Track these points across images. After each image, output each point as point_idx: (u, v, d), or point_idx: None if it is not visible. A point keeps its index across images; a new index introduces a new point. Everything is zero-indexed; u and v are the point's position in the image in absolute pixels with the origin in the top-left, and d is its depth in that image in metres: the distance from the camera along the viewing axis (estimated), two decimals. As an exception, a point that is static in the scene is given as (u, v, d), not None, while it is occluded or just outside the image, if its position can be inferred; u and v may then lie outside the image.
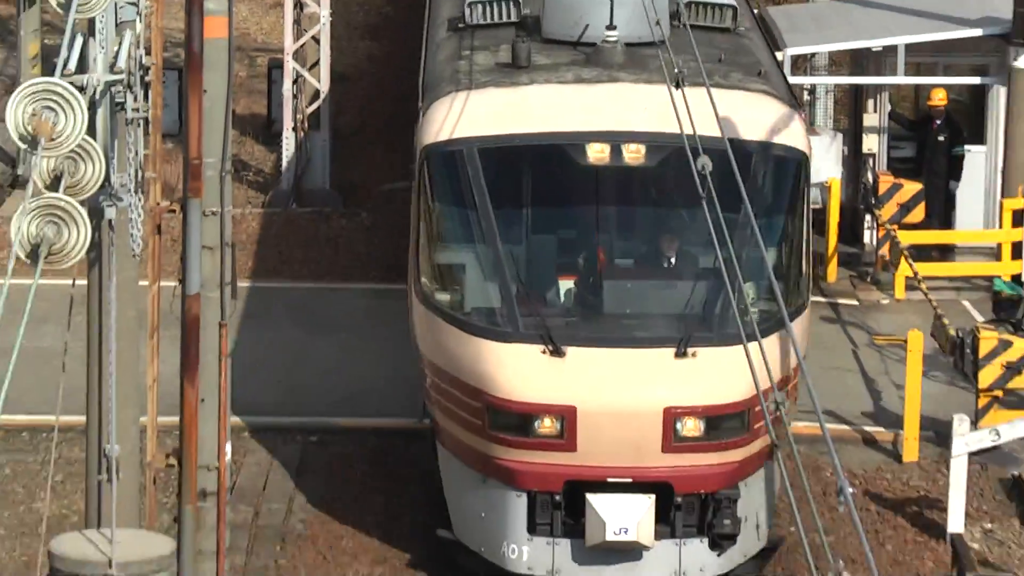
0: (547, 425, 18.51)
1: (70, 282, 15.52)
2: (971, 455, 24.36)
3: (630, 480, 18.57)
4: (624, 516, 18.31)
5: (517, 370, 18.51)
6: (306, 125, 35.24)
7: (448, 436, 20.07)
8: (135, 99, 14.70)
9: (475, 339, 18.89)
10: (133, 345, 15.87)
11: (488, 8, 20.66)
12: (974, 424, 24.75)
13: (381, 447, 24.70)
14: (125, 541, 13.86)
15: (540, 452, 18.72)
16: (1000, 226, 31.08)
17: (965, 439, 23.70)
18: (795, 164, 18.95)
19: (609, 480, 18.62)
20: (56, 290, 15.41)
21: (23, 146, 13.02)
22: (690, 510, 18.68)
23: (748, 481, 19.12)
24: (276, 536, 24.66)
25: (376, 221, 34.65)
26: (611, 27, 19.34)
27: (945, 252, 32.62)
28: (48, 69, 17.28)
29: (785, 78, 23.61)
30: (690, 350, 18.19)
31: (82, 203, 12.98)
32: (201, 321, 17.62)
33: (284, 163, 35.74)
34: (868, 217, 31.63)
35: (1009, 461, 25.76)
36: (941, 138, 32.19)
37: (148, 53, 15.65)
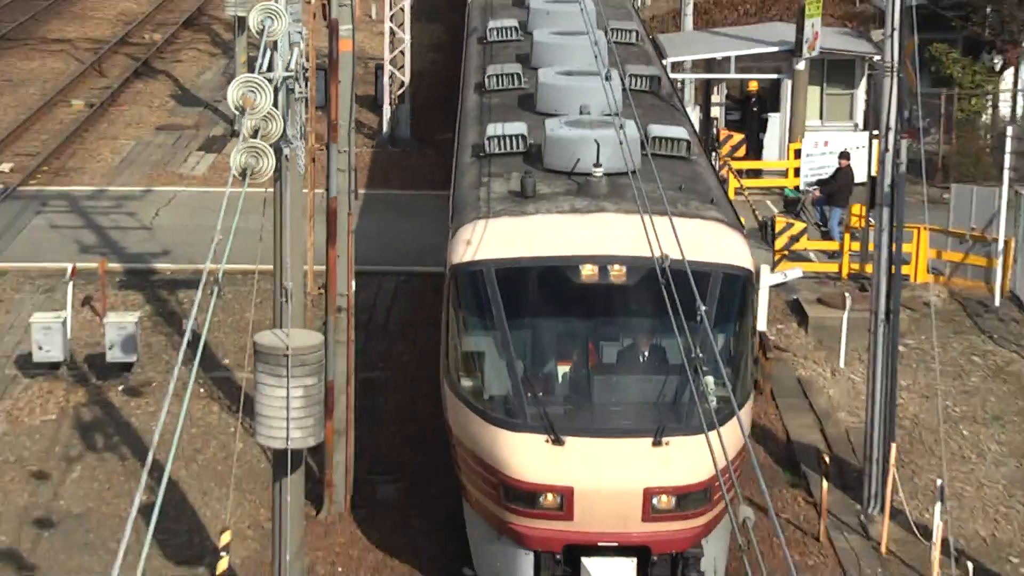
0: (550, 500, 19.45)
1: (263, 190, 18.78)
2: (771, 287, 29.38)
3: (616, 544, 19.83)
4: (612, 575, 19.91)
5: (525, 456, 19.34)
6: (396, 101, 43.61)
7: (471, 496, 20.98)
8: (300, 86, 18.51)
9: (492, 427, 19.74)
10: (299, 225, 20.22)
11: (502, 141, 22.65)
12: (772, 270, 30.46)
13: (439, 283, 23.89)
14: (295, 336, 18.61)
15: (544, 520, 19.70)
16: (787, 158, 39.01)
17: (767, 278, 28.68)
18: (743, 280, 20.29)
19: (599, 544, 19.86)
20: (256, 196, 17.32)
21: (237, 112, 16.99)
22: (664, 567, 19.93)
23: (708, 539, 20.26)
24: (382, 333, 30.73)
25: (435, 155, 40.49)
26: (597, 164, 20.98)
27: (757, 174, 39.68)
28: (251, 69, 19.50)
29: (729, 200, 24.86)
30: (664, 439, 19.14)
31: (271, 145, 16.92)
32: (337, 212, 23.20)
33: (385, 123, 43.99)
34: (714, 155, 36.23)
35: (791, 291, 32.06)
36: (755, 109, 40.17)
37: (307, 60, 19.26)
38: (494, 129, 23.19)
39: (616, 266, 19.87)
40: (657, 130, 23.24)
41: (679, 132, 23.56)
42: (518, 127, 23.31)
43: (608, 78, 22.78)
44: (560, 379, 20.39)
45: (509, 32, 30.36)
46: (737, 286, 20.39)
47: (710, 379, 18.77)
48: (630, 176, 18.92)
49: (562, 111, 23.85)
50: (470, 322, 20.44)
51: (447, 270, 20.71)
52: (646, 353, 20.72)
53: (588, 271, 19.96)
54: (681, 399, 19.82)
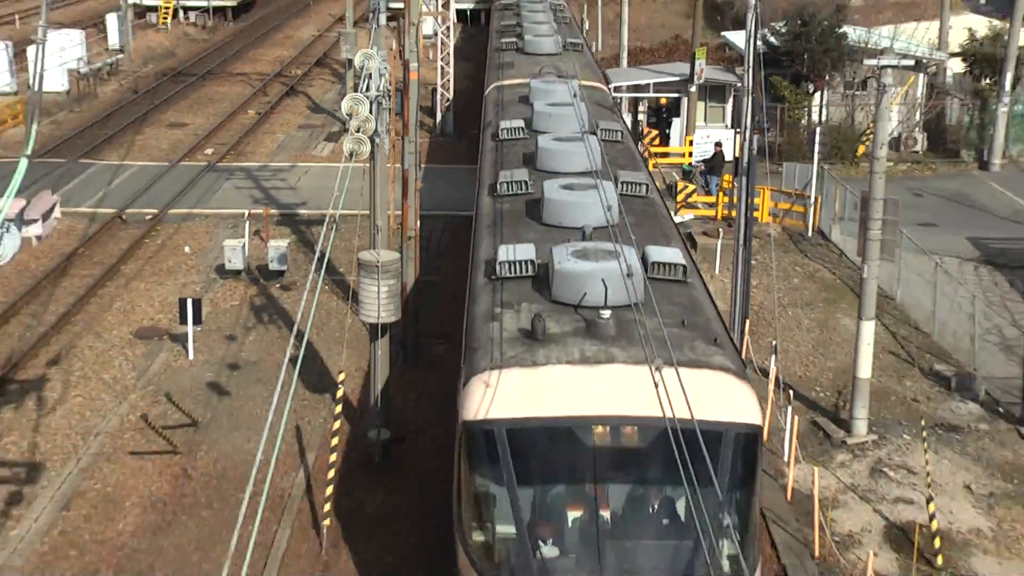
0: None
1: (363, 164, 18.59)
2: (675, 224, 27.73)
3: None
4: None
5: None
6: (444, 110, 43.03)
7: None
8: (385, 101, 18.61)
9: None
10: (385, 186, 19.69)
11: (513, 267, 15.66)
12: (675, 214, 27.40)
13: (468, 223, 21.32)
14: (383, 254, 18.47)
15: None
16: (684, 146, 38.39)
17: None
18: (752, 437, 13.52)
19: None
20: (359, 168, 15.99)
21: (347, 117, 17.69)
22: None
23: None
24: (435, 252, 30.12)
25: (467, 143, 39.28)
26: (605, 307, 14.19)
27: (666, 155, 38.25)
28: (355, 89, 18.22)
29: (731, 337, 16.21)
30: None
31: (368, 137, 17.61)
32: (408, 178, 22.80)
33: (437, 123, 43.21)
34: (639, 144, 35.16)
35: (686, 227, 30.05)
36: (665, 115, 39.37)
37: (390, 84, 19.26)
38: (506, 253, 16.21)
39: (628, 428, 13.48)
40: (655, 253, 16.30)
41: (675, 256, 16.39)
42: (527, 251, 16.29)
43: (607, 178, 18.18)
44: (569, 540, 13.52)
45: (517, 132, 22.91)
46: (748, 444, 13.67)
47: (723, 543, 13.15)
48: (634, 311, 13.91)
49: (565, 223, 17.31)
50: (480, 480, 13.85)
51: (459, 424, 14.02)
52: (658, 514, 13.72)
53: (600, 432, 13.52)
54: (695, 565, 12.97)
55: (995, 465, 20.08)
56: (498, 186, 19.56)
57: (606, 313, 14.22)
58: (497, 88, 28.75)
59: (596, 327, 14.24)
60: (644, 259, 16.03)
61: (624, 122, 26.22)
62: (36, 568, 16.77)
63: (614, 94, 33.72)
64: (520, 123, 23.23)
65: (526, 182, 19.38)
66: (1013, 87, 37.55)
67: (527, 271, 15.92)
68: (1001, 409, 21.89)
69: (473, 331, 15.12)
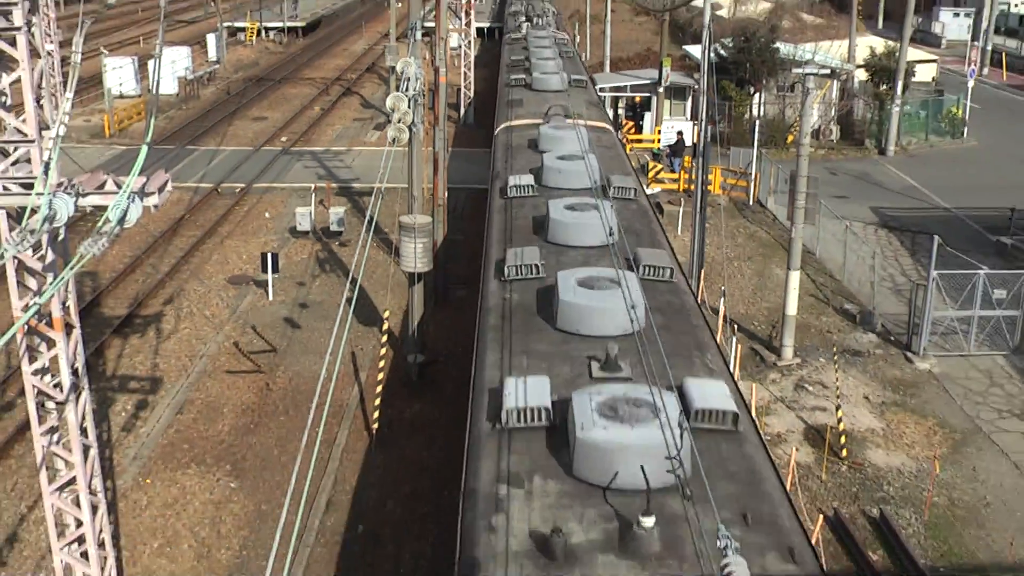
0: None
1: (404, 148, 18.23)
2: (648, 196, 27.00)
3: None
4: None
5: None
6: (467, 105, 41.87)
7: None
8: (421, 98, 18.17)
9: None
10: (420, 165, 19.24)
11: (521, 414, 9.16)
12: (647, 187, 27.95)
13: (484, 194, 21.42)
14: (418, 218, 18.26)
15: None
16: (654, 134, 37.06)
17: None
18: None
19: None
20: (400, 152, 16.65)
21: (391, 110, 17.24)
22: None
23: None
24: (460, 216, 29.20)
25: (483, 131, 37.13)
26: (647, 513, 7.43)
27: (639, 141, 36.65)
28: (397, 89, 17.34)
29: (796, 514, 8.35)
30: None
31: (407, 126, 17.32)
32: (438, 157, 22.26)
33: (461, 115, 41.90)
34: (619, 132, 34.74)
35: (655, 199, 27.48)
36: (639, 110, 38.12)
37: (424, 86, 18.85)
38: (512, 399, 9.43)
39: None
40: (698, 395, 9.30)
41: (721, 398, 9.37)
42: (540, 393, 9.47)
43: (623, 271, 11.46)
44: None
45: (526, 190, 16.49)
46: None
47: None
48: (681, 499, 7.88)
49: (583, 330, 10.86)
50: None
51: None
52: None
53: None
54: None
55: (887, 381, 20.05)
56: (506, 269, 12.92)
57: (648, 521, 7.53)
58: (507, 129, 22.42)
59: (635, 541, 7.56)
60: (685, 403, 9.22)
61: (635, 173, 18.81)
62: (160, 456, 16.86)
63: (600, 94, 32.62)
64: (530, 179, 16.86)
65: (538, 265, 12.92)
66: (903, 92, 37.90)
67: (538, 419, 9.30)
68: (892, 338, 21.86)
69: (470, 538, 8.05)
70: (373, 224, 15.57)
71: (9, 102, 9.91)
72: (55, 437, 11.12)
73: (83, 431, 11.26)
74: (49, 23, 34.35)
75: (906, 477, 16.60)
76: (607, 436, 8.34)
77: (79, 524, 11.48)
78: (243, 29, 64.28)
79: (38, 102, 9.79)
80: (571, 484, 8.39)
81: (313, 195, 29.92)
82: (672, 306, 11.95)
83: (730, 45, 39.36)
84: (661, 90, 37.72)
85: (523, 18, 41.30)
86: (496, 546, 7.79)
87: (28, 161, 9.94)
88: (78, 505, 11.36)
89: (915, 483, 16.43)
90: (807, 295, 24.00)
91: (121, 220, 8.89)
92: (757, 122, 33.14)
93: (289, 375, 19.81)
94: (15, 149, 9.91)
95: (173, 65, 46.06)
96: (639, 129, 38.86)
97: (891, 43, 41.42)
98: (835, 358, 20.41)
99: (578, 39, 55.33)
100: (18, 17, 9.46)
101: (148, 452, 17.01)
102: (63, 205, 8.81)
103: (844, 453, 17.16)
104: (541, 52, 31.37)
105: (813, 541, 9.38)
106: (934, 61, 48.34)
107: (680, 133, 34.57)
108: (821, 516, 14.92)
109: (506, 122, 23.13)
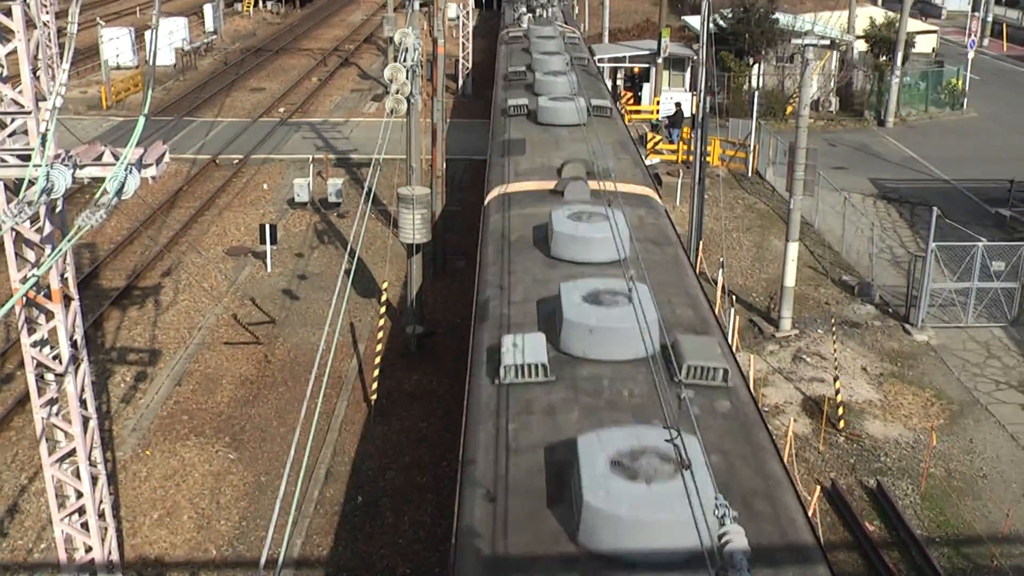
0: None
1: (402, 119, 18.18)
2: (647, 167, 27.37)
3: None
4: None
5: None
6: (465, 76, 41.51)
7: None
8: (419, 68, 18.26)
9: None
10: (419, 136, 19.34)
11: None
12: (645, 159, 26.13)
13: (483, 164, 20.74)
14: (417, 189, 18.28)
15: None
16: (653, 105, 36.97)
17: (646, 163, 26.07)
18: None
19: None
20: (398, 122, 15.93)
21: (389, 81, 17.09)
22: None
23: None
24: (458, 187, 29.25)
25: (481, 102, 37.71)
26: None
27: (638, 112, 36.53)
28: (395, 60, 16.97)
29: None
30: None
31: (405, 98, 17.20)
32: (436, 128, 22.41)
33: (459, 86, 41.64)
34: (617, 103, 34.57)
35: (654, 169, 27.28)
36: (638, 81, 38.03)
37: (422, 56, 19.34)
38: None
39: None
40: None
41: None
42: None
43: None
44: None
45: (536, 371, 8.97)
46: None
47: None
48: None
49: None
50: None
51: None
52: None
53: None
54: None
55: (884, 352, 20.05)
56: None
57: None
58: (501, 200, 14.60)
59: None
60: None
61: (723, 332, 11.05)
62: (159, 428, 16.87)
63: (598, 64, 31.42)
64: (540, 356, 9.18)
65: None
66: (903, 63, 37.61)
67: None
68: (890, 310, 21.83)
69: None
70: (371, 195, 15.49)
71: (6, 73, 9.89)
72: (55, 409, 11.17)
73: (82, 403, 11.30)
74: (44, -8, 34.16)
75: (903, 448, 16.65)
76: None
77: (79, 495, 11.56)
78: (240, 0, 63.91)
79: (35, 73, 9.76)
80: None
81: (311, 166, 29.84)
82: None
83: (729, 16, 39.06)
84: (660, 61, 37.53)
85: (523, 8, 33.54)
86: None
87: (25, 133, 9.92)
88: (78, 476, 11.42)
89: (912, 454, 16.48)
90: (805, 267, 23.95)
91: (119, 192, 8.83)
92: (756, 93, 32.95)
93: (288, 346, 19.81)
94: (12, 120, 9.90)
95: (170, 36, 45.62)
96: (637, 100, 38.71)
97: (891, 14, 41.20)
98: (833, 330, 20.39)
99: (576, 9, 54.91)
100: (12, -14, 9.42)
101: (147, 424, 17.04)
102: (60, 177, 8.77)
103: (842, 424, 17.19)
104: (548, 62, 22.65)
105: (810, 512, 9.57)
106: (934, 32, 47.90)
107: (678, 104, 34.44)
108: (819, 487, 15.00)
109: (500, 185, 15.36)
